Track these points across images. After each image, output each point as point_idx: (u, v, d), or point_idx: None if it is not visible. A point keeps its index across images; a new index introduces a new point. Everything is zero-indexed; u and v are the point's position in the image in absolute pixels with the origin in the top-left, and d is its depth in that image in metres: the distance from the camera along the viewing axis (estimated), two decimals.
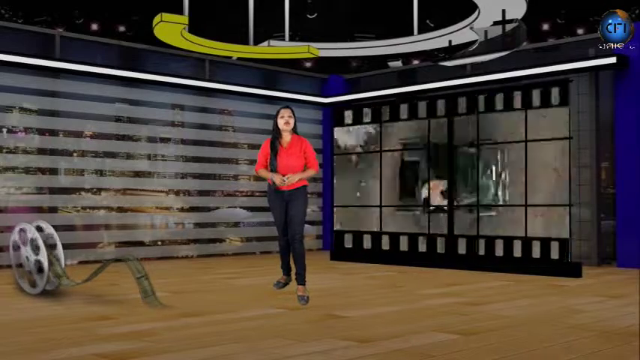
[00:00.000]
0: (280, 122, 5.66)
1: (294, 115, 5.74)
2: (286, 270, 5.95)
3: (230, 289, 6.95)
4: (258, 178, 11.11)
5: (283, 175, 5.56)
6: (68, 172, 9.75)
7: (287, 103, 11.63)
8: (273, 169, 5.63)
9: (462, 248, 8.90)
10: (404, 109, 9.60)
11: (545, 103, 8.23)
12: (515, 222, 8.43)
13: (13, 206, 9.21)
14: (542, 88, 8.30)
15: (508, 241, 8.49)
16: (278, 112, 5.73)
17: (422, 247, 9.31)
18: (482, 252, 8.69)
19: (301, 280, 5.73)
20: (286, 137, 5.70)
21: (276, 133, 5.70)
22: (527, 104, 8.37)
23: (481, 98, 8.83)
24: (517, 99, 8.49)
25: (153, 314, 5.20)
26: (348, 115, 10.24)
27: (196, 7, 7.83)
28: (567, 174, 8.04)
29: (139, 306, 5.48)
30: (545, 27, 15.07)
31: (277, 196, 5.68)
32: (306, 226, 12.29)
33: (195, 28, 7.80)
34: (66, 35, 10.11)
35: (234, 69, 11.53)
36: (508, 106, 8.58)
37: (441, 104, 9.25)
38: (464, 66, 10.20)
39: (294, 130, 5.76)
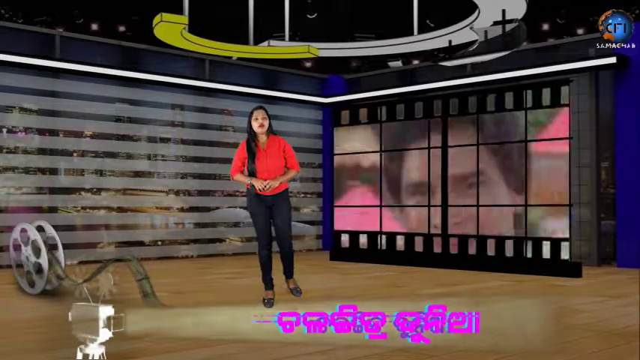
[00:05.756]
0: (255, 125, 5.33)
1: (268, 115, 5.40)
2: (271, 283, 5.60)
3: (230, 289, 6.95)
4: None
5: (264, 180, 5.29)
6: (68, 172, 9.75)
7: (287, 103, 11.74)
8: (252, 173, 5.35)
9: (467, 249, 8.90)
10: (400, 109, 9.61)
11: (546, 103, 8.22)
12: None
13: (13, 206, 9.21)
14: (542, 88, 8.29)
15: (508, 241, 8.48)
16: (251, 113, 5.40)
17: (422, 247, 9.31)
18: (482, 252, 8.69)
19: (291, 275, 5.71)
20: (262, 139, 5.40)
21: (251, 135, 5.39)
22: (526, 104, 8.37)
23: (480, 98, 8.83)
24: (517, 99, 8.48)
25: (153, 314, 5.19)
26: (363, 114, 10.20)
27: (196, 7, 7.82)
28: (567, 174, 8.05)
29: (139, 306, 5.47)
30: (545, 27, 15.07)
31: (260, 202, 5.39)
32: (306, 226, 12.38)
33: (195, 28, 7.80)
34: (66, 35, 10.11)
35: (234, 69, 11.53)
36: (508, 106, 8.57)
37: (437, 104, 9.25)
38: (464, 66, 10.20)
39: (270, 131, 5.46)
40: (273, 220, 5.46)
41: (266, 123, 5.35)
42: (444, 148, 9.14)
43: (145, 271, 5.57)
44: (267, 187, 5.27)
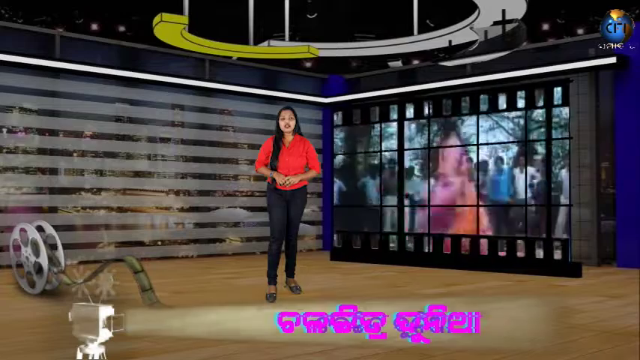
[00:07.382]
0: (281, 124, 5.69)
1: (295, 116, 5.72)
2: (275, 279, 5.73)
3: (230, 289, 6.95)
4: (258, 178, 11.12)
5: (285, 175, 5.58)
6: (68, 172, 9.75)
7: (287, 103, 11.72)
8: (274, 168, 5.65)
9: (463, 248, 8.90)
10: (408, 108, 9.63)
11: (545, 103, 8.22)
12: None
13: (13, 206, 9.21)
14: (542, 88, 8.29)
15: (508, 241, 8.48)
16: (279, 112, 5.72)
17: (423, 247, 9.31)
18: (482, 252, 8.69)
19: (292, 274, 6.00)
20: (288, 138, 5.72)
21: (278, 133, 5.71)
22: (527, 104, 8.36)
23: (481, 98, 8.83)
24: (517, 99, 8.48)
25: (153, 314, 5.19)
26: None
27: (196, 7, 7.82)
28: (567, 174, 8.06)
29: (139, 306, 5.47)
30: (545, 27, 15.07)
31: (278, 196, 5.67)
32: (307, 226, 12.37)
33: (195, 28, 7.80)
34: (66, 35, 10.10)
35: (234, 69, 11.53)
36: (508, 107, 8.57)
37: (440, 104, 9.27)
38: (464, 66, 10.19)
39: (297, 131, 5.75)
40: (288, 213, 5.72)
41: (292, 123, 5.70)
42: (400, 150, 9.47)
43: (142, 266, 5.52)
44: (287, 182, 5.55)
